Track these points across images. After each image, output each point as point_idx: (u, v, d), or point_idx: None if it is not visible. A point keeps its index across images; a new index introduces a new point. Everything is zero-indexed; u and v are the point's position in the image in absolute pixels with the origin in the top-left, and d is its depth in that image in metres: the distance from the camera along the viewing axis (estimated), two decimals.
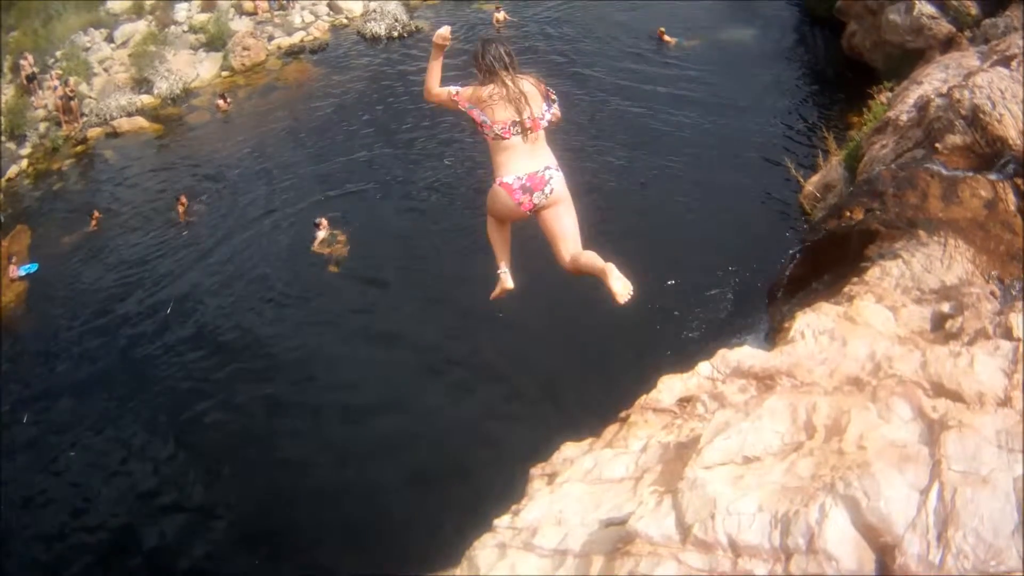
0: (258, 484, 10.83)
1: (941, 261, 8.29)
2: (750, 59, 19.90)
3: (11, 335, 15.04)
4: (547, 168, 4.24)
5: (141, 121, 21.68)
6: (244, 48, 23.57)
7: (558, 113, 4.35)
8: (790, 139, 16.39)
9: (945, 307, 7.45)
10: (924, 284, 8.14)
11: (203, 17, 25.36)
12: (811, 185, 13.38)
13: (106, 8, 26.57)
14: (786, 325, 8.21)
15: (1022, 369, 5.23)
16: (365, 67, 22.63)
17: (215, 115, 21.61)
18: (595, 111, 18.47)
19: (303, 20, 25.37)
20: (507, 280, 4.58)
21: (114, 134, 21.45)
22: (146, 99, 22.43)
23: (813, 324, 7.36)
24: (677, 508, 4.77)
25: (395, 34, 23.94)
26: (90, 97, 22.59)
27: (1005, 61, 10.07)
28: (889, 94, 13.64)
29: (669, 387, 7.46)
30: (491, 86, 4.23)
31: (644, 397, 7.55)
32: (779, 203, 14.40)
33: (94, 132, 21.55)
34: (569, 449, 7.53)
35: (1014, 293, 7.62)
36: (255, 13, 25.64)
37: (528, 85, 4.26)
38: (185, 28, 25.18)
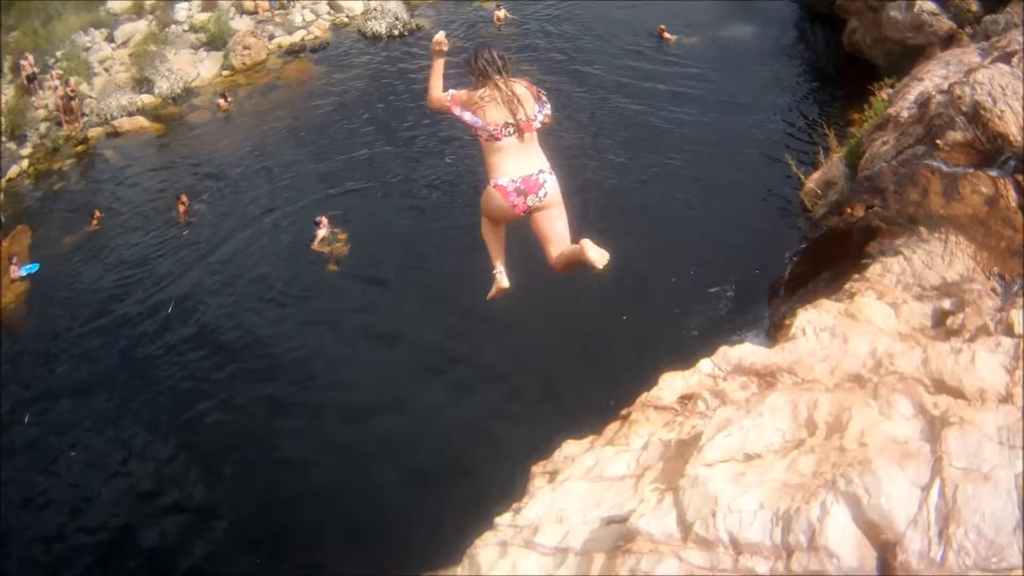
0: (258, 484, 10.83)
1: (942, 258, 8.26)
2: (750, 56, 19.86)
3: (12, 335, 15.05)
4: (541, 171, 4.33)
5: (142, 121, 21.69)
6: (245, 47, 23.57)
7: (550, 114, 4.45)
8: (791, 136, 16.36)
9: (946, 304, 7.42)
10: (925, 281, 8.11)
11: (203, 16, 25.35)
12: (812, 182, 13.35)
13: (106, 8, 26.55)
14: (787, 322, 8.19)
15: (1023, 366, 5.21)
16: (366, 65, 22.62)
17: (216, 114, 21.61)
18: (595, 109, 18.45)
19: (304, 19, 25.37)
20: (502, 280, 4.65)
21: (115, 134, 21.46)
22: (147, 99, 22.45)
23: (814, 321, 7.34)
24: (678, 506, 4.76)
25: (396, 32, 23.94)
26: (91, 97, 22.61)
27: (1006, 57, 10.04)
28: (890, 91, 13.61)
29: (670, 384, 7.45)
30: (484, 89, 4.34)
31: (645, 395, 7.53)
32: (780, 200, 14.38)
33: (95, 132, 21.57)
34: (570, 447, 7.52)
35: (1015, 289, 7.59)
36: (256, 12, 25.65)
37: (520, 88, 4.37)
38: (186, 27, 25.18)
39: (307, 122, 20.24)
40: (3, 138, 21.27)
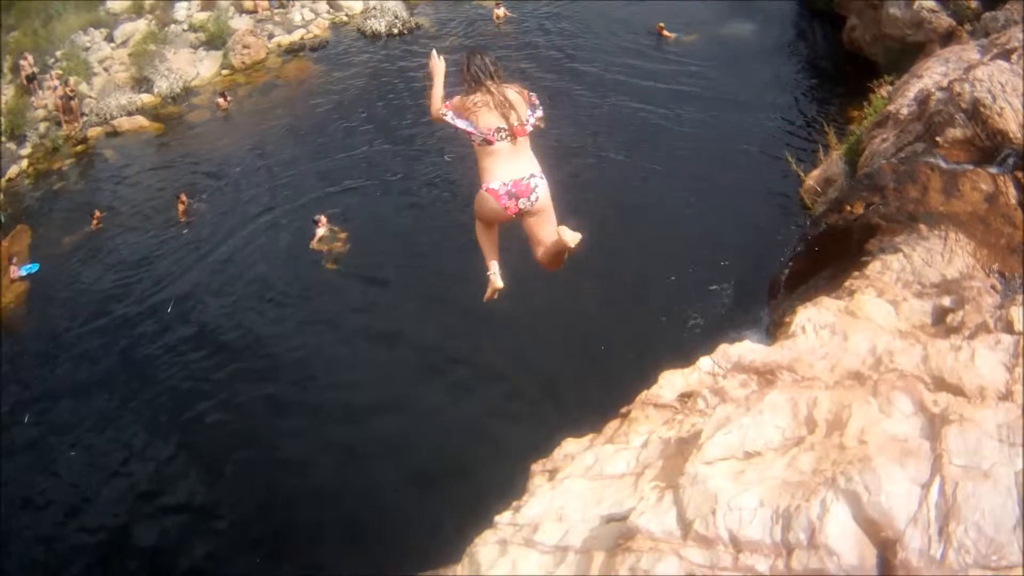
0: (258, 484, 10.82)
1: (942, 255, 8.26)
2: (750, 54, 19.85)
3: (12, 335, 15.04)
4: (532, 176, 4.42)
5: (141, 120, 21.67)
6: (244, 46, 23.56)
7: (542, 116, 4.54)
8: (790, 134, 16.35)
9: (946, 301, 7.42)
10: (925, 278, 8.11)
11: (203, 16, 25.34)
12: (811, 179, 13.35)
13: (106, 8, 26.55)
14: (787, 320, 8.19)
15: (1023, 363, 5.21)
16: (365, 64, 22.61)
17: (215, 113, 21.59)
18: (594, 107, 18.43)
19: (303, 18, 25.36)
20: (497, 280, 4.73)
21: (114, 133, 21.45)
22: (146, 98, 22.43)
23: (814, 318, 7.34)
24: (678, 504, 4.76)
25: (395, 31, 23.92)
26: (90, 97, 22.59)
27: (1005, 55, 10.03)
28: (889, 88, 13.60)
29: (670, 382, 7.45)
30: (477, 94, 4.43)
31: (645, 392, 7.54)
32: (779, 198, 14.37)
33: (94, 131, 21.55)
34: (570, 445, 7.52)
35: (1015, 287, 7.59)
36: (255, 11, 25.63)
37: (512, 92, 4.47)
38: (185, 27, 25.17)
39: (306, 121, 20.23)
40: (3, 138, 21.27)
